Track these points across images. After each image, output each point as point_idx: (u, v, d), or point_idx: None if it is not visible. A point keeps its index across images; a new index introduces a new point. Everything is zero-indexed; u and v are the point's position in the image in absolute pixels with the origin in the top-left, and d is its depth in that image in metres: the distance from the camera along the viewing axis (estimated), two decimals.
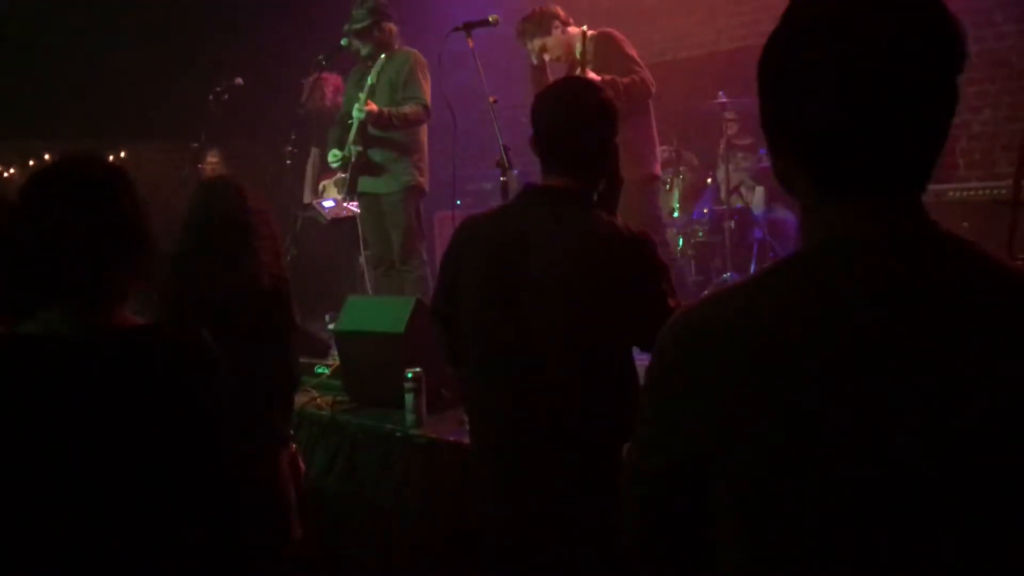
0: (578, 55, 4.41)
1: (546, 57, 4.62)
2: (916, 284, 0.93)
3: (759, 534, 0.98)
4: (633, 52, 4.53)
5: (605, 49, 4.49)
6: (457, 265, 2.24)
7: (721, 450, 0.99)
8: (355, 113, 4.78)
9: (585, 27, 4.42)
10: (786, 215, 5.80)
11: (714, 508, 1.01)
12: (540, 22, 4.61)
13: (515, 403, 2.11)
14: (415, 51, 4.97)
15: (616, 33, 4.57)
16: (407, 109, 4.80)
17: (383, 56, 4.90)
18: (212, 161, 6.16)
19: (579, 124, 2.14)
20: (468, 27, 4.08)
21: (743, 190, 5.86)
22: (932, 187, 3.99)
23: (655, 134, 4.68)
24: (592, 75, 4.17)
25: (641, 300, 2.06)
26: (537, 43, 4.61)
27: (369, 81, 4.89)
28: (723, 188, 5.68)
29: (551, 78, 4.25)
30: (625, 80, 4.31)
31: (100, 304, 1.55)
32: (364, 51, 4.96)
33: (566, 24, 4.64)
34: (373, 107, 4.72)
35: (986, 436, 0.88)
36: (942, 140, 0.98)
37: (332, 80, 5.86)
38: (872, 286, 0.94)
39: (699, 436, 1.01)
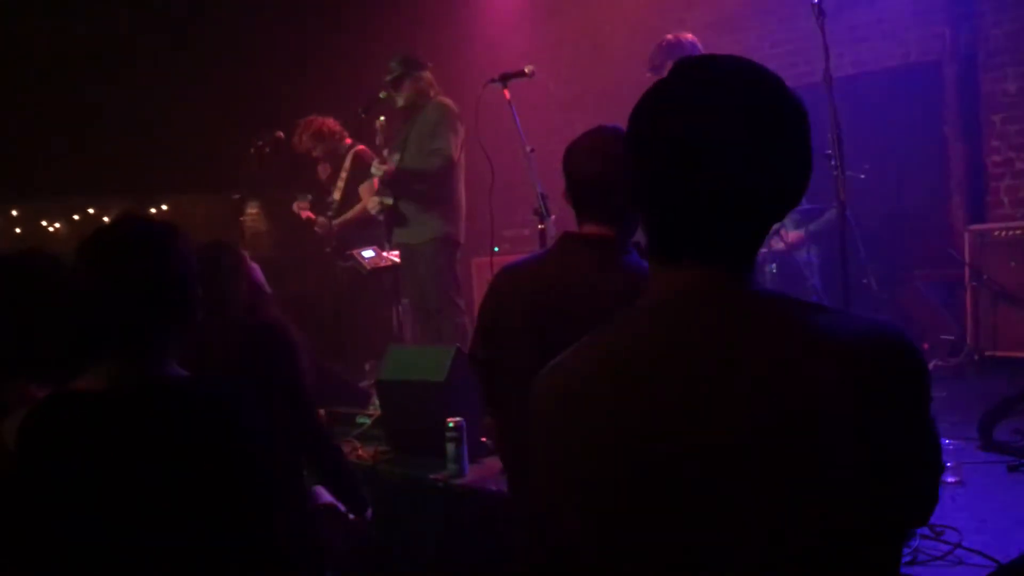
0: None
1: None
2: (706, 338, 1.02)
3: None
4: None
5: None
6: (496, 312, 2.25)
7: (566, 497, 1.08)
8: (374, 171, 4.86)
9: None
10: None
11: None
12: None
13: None
14: (448, 101, 5.02)
15: None
16: (424, 164, 4.84)
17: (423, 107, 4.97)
18: (252, 212, 6.24)
19: (612, 172, 2.14)
20: (504, 78, 4.13)
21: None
22: (977, 227, 3.94)
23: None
24: None
25: None
26: None
27: (408, 135, 4.97)
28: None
29: None
30: None
31: (154, 358, 1.59)
32: (400, 102, 5.04)
33: None
34: (390, 168, 4.80)
35: (746, 448, 0.95)
36: (762, 215, 1.06)
37: (312, 127, 5.69)
38: (668, 339, 1.04)
39: (548, 481, 1.12)
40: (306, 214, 5.60)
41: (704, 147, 1.01)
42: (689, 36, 4.69)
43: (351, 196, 5.53)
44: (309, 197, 5.66)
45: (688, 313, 1.04)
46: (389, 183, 4.87)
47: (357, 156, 5.58)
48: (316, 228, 5.58)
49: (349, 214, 5.52)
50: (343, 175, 5.61)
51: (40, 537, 1.45)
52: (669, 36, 4.71)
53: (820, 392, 0.95)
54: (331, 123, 5.65)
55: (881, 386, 0.96)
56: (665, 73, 1.11)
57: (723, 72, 1.05)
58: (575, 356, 1.14)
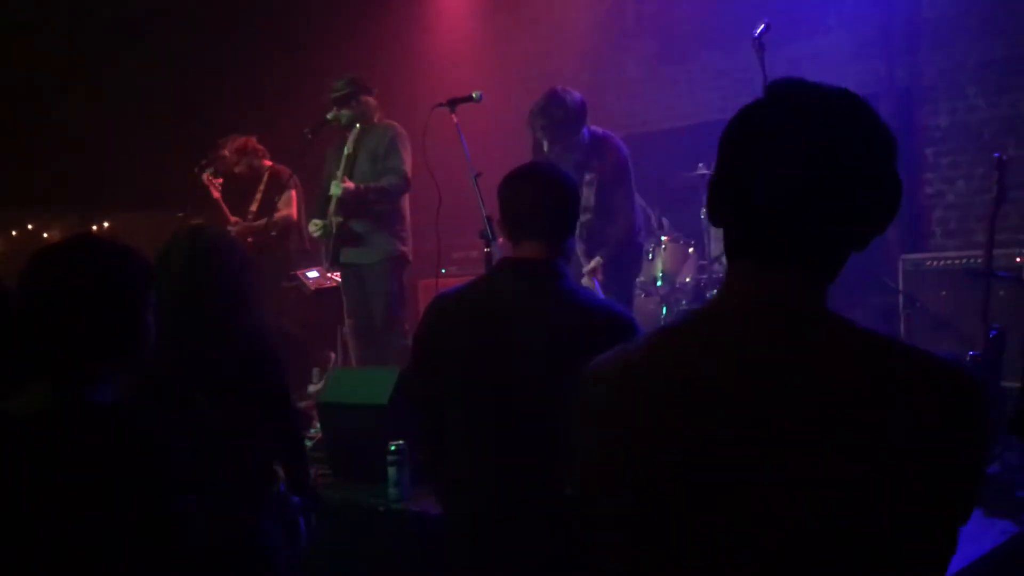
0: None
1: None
2: (760, 341, 1.05)
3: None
4: None
5: None
6: (433, 341, 2.27)
7: (601, 480, 1.12)
8: (333, 190, 4.85)
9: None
10: None
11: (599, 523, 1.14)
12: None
13: (495, 474, 2.13)
14: (396, 124, 5.06)
15: None
16: (385, 183, 4.87)
17: (358, 126, 5.00)
18: None
19: (548, 196, 2.24)
20: (452, 103, 4.17)
21: (724, 259, 5.91)
22: (910, 256, 4.05)
23: None
24: None
25: None
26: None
27: (345, 151, 4.97)
28: (705, 257, 5.75)
29: None
30: None
31: (84, 383, 1.55)
32: (343, 120, 5.05)
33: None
34: (350, 185, 4.81)
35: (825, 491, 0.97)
36: (846, 233, 1.10)
37: (237, 142, 5.95)
38: (725, 338, 1.07)
39: (587, 464, 1.15)
40: (216, 193, 5.95)
41: (816, 164, 1.07)
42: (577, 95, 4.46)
43: (267, 208, 5.75)
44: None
45: (760, 321, 1.08)
46: (350, 199, 4.83)
47: (274, 174, 5.89)
48: (230, 227, 5.77)
49: (262, 221, 5.77)
50: (261, 187, 5.90)
51: None
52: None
53: (879, 419, 0.97)
54: (254, 141, 5.97)
55: (941, 422, 0.98)
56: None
57: (828, 96, 1.11)
58: (640, 349, 1.17)
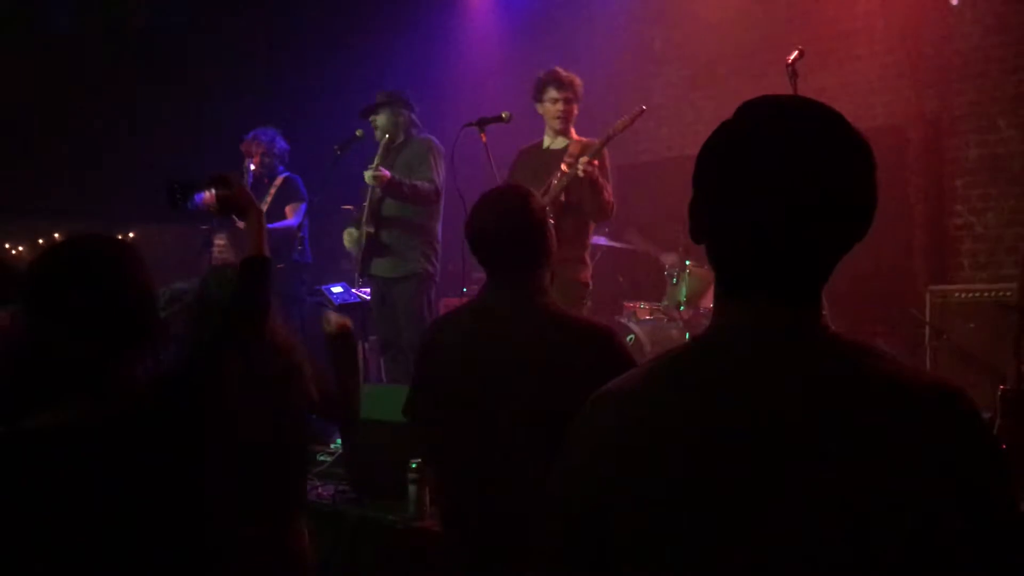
0: (556, 145, 4.49)
1: (564, 112, 4.49)
2: (781, 376, 1.03)
3: None
4: (608, 170, 4.45)
5: (602, 161, 4.38)
6: (430, 364, 2.33)
7: (600, 513, 1.07)
8: (367, 178, 4.80)
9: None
10: None
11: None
12: (576, 90, 4.51)
13: (483, 492, 2.16)
14: (433, 138, 5.06)
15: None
16: (419, 183, 4.85)
17: (388, 136, 4.99)
18: (219, 244, 6.21)
19: (507, 227, 2.22)
20: (482, 123, 4.19)
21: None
22: (937, 287, 4.00)
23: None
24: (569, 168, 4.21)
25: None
26: (561, 96, 4.48)
27: (378, 156, 4.93)
28: None
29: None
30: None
31: (108, 392, 1.53)
32: (380, 131, 5.05)
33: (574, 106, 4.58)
34: (385, 173, 4.73)
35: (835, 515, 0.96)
36: (838, 255, 1.08)
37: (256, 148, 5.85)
38: (741, 375, 1.04)
39: (581, 496, 1.10)
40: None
41: (792, 182, 1.04)
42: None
43: (276, 213, 5.65)
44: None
45: (757, 347, 1.06)
46: (384, 188, 4.78)
47: (287, 180, 5.79)
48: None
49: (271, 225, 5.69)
50: (272, 191, 5.81)
51: None
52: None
53: (883, 438, 0.97)
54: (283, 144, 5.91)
55: (943, 433, 0.98)
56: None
57: (799, 110, 1.09)
58: (641, 380, 1.13)
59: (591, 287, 4.52)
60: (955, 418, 0.99)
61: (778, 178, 1.04)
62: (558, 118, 4.46)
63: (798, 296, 1.07)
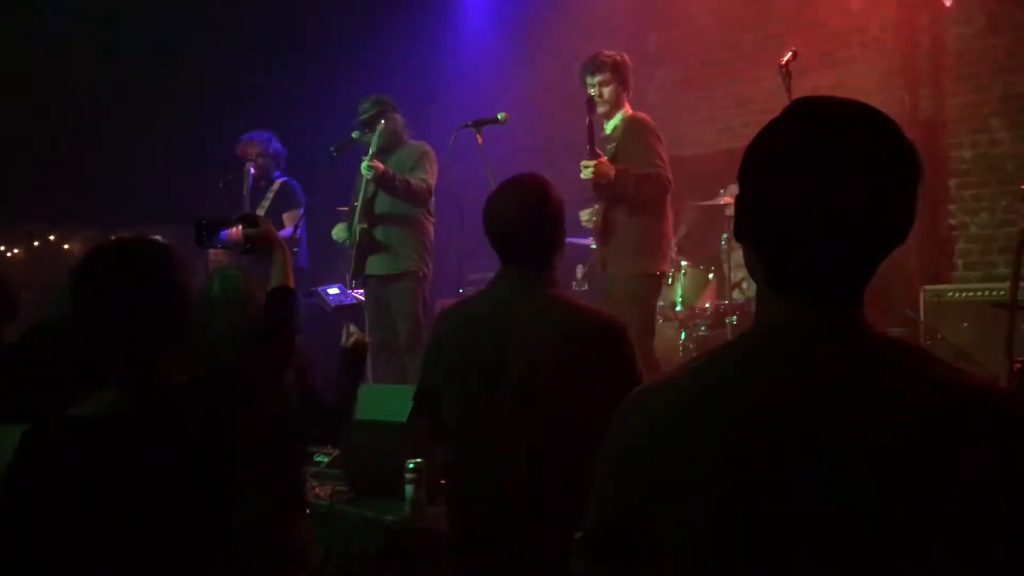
0: (608, 129, 4.42)
1: (603, 95, 4.39)
2: (826, 371, 1.04)
3: None
4: (659, 146, 4.30)
5: (633, 134, 4.33)
6: (438, 354, 2.33)
7: (646, 513, 1.08)
8: (363, 170, 4.81)
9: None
10: None
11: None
12: (619, 70, 4.44)
13: (494, 484, 2.15)
14: (426, 143, 5.09)
15: (649, 121, 4.40)
16: (412, 180, 4.87)
17: (386, 140, 4.99)
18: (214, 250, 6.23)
19: (528, 216, 2.25)
20: (477, 124, 4.21)
21: (744, 285, 5.91)
22: (931, 287, 4.03)
23: (669, 231, 4.44)
24: (603, 158, 4.13)
25: (613, 381, 2.10)
26: (600, 79, 4.40)
27: (371, 150, 4.91)
28: (725, 283, 5.74)
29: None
30: (640, 173, 4.14)
31: (147, 385, 1.60)
32: (373, 140, 5.04)
33: (624, 91, 4.50)
34: (379, 166, 4.76)
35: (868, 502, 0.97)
36: (884, 253, 1.11)
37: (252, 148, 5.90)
38: (787, 369, 1.06)
39: (625, 497, 1.11)
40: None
41: (850, 191, 1.05)
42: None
43: (273, 219, 5.60)
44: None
45: (805, 344, 1.07)
46: (378, 180, 4.80)
47: (284, 185, 5.84)
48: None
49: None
50: (270, 195, 5.86)
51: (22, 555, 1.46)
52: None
53: (930, 436, 0.98)
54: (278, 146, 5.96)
55: (987, 434, 0.98)
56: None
57: (857, 117, 1.10)
58: (685, 377, 1.14)
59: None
60: (1001, 421, 0.99)
61: (836, 186, 1.05)
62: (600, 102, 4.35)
63: (844, 295, 1.09)
